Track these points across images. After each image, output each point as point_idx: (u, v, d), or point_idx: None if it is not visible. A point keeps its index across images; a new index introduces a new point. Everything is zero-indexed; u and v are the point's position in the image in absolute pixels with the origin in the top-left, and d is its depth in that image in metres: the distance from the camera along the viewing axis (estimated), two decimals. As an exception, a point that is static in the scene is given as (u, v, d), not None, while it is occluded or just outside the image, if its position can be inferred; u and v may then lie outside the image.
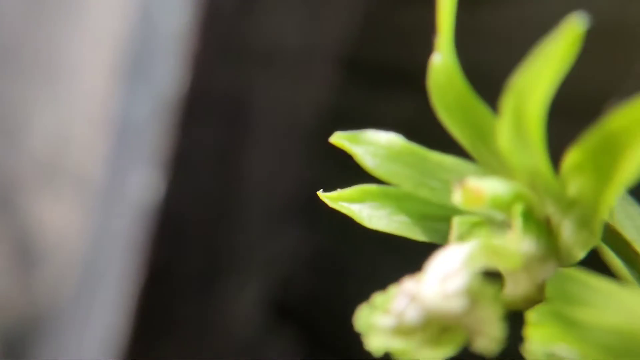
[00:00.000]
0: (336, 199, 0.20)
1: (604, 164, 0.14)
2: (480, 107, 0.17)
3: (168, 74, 0.68)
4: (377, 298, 0.17)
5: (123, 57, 0.73)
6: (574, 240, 0.16)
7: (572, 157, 0.15)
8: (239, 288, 0.73)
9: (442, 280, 0.15)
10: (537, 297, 0.16)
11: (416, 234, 0.19)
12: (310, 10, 0.69)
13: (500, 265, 0.15)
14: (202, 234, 0.72)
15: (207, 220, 0.72)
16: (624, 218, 0.17)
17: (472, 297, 0.15)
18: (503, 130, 0.16)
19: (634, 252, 0.16)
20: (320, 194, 0.21)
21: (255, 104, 0.71)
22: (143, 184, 0.69)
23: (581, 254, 0.16)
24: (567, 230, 0.16)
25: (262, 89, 0.71)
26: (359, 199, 0.20)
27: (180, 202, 0.71)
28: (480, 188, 0.17)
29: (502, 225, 0.18)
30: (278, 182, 0.72)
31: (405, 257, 0.66)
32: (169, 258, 0.71)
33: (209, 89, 0.70)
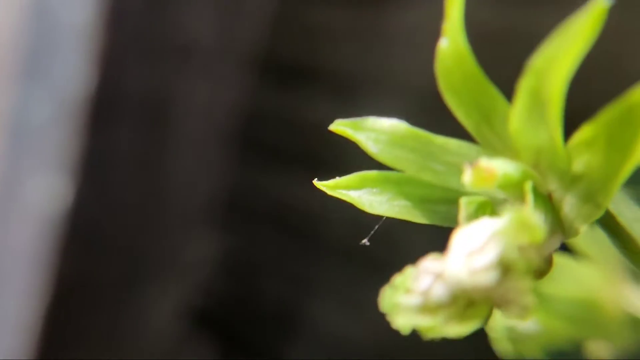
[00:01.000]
0: (334, 187, 0.21)
1: (619, 139, 0.16)
2: (490, 88, 0.18)
3: (71, 72, 0.66)
4: (397, 279, 0.18)
5: (17, 53, 0.69)
6: (576, 214, 0.18)
7: (583, 132, 0.16)
8: (157, 296, 0.71)
9: (470, 256, 0.17)
10: (545, 269, 0.18)
11: (416, 217, 0.21)
12: (223, 8, 0.69)
13: (526, 239, 0.16)
14: (116, 242, 0.70)
15: (122, 227, 0.70)
16: (619, 202, 0.20)
17: (504, 269, 0.16)
18: (518, 109, 0.17)
19: (627, 235, 0.19)
20: (317, 182, 0.21)
21: (170, 105, 0.70)
22: (46, 192, 0.66)
23: (583, 228, 0.18)
24: (569, 205, 0.18)
25: (177, 88, 0.70)
26: (358, 186, 0.21)
27: (91, 210, 0.68)
28: (492, 168, 0.18)
29: (505, 204, 0.20)
30: (196, 186, 0.72)
31: (324, 259, 0.67)
32: (80, 270, 0.68)
33: (120, 89, 0.68)
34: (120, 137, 0.68)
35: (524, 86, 0.17)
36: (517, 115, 0.17)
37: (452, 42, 0.18)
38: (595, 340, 0.24)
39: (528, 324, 0.25)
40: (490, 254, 0.16)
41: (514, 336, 0.24)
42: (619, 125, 0.16)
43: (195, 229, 0.71)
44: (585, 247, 0.24)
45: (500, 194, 0.20)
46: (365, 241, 0.22)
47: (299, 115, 0.67)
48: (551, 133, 0.17)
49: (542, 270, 0.18)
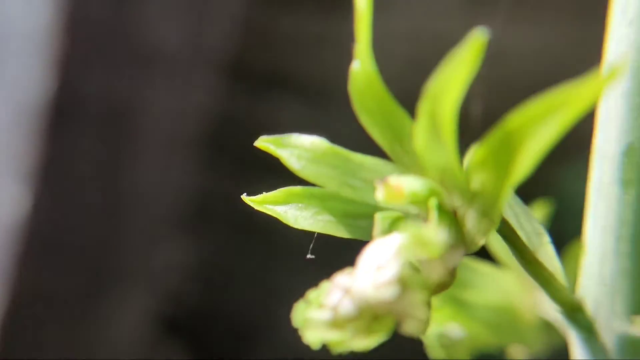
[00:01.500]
0: (261, 202, 0.22)
1: (503, 159, 0.17)
2: (398, 110, 0.20)
3: (29, 77, 0.66)
4: (311, 294, 0.19)
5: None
6: (477, 228, 0.19)
7: (476, 154, 0.18)
8: (122, 306, 0.71)
9: (375, 271, 0.18)
10: (449, 282, 0.19)
11: (341, 232, 0.22)
12: (191, 14, 0.70)
13: (424, 255, 0.18)
14: (78, 250, 0.70)
15: (84, 235, 0.70)
16: (511, 214, 0.21)
17: (403, 284, 0.17)
18: (419, 131, 0.19)
19: (524, 246, 0.20)
20: (245, 197, 0.23)
21: (135, 110, 0.70)
22: (3, 199, 0.66)
23: (482, 241, 0.19)
24: (470, 220, 0.19)
25: (142, 94, 0.70)
26: (284, 201, 0.22)
27: (51, 217, 0.68)
28: (400, 185, 0.19)
29: (417, 219, 0.21)
30: (163, 192, 0.72)
31: (292, 266, 0.68)
32: (40, 280, 0.68)
33: (81, 94, 0.68)
34: (81, 142, 0.68)
35: (423, 109, 0.18)
36: (419, 136, 0.19)
37: (362, 65, 0.20)
38: (515, 344, 0.26)
39: (456, 331, 0.26)
40: (391, 270, 0.18)
41: (445, 342, 0.26)
42: (501, 147, 0.17)
43: (162, 237, 0.71)
44: (504, 256, 0.26)
45: (414, 209, 0.21)
46: (310, 256, 0.24)
47: (269, 121, 0.67)
48: (448, 153, 0.18)
49: (445, 283, 0.19)
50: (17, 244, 0.66)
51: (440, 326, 0.26)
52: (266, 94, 0.70)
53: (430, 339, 0.26)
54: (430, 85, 0.17)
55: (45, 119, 0.67)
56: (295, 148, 0.21)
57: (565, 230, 0.27)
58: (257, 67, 0.71)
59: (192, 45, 0.70)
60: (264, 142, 0.22)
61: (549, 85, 0.17)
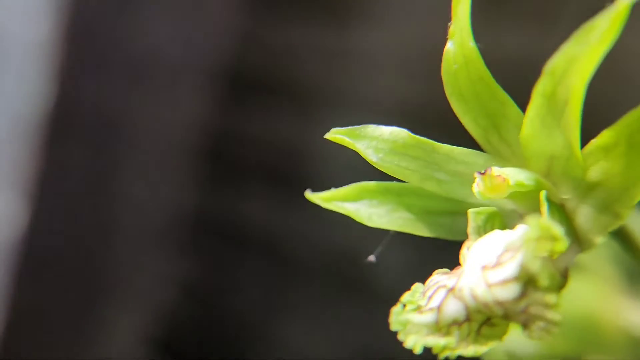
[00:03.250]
0: (330, 199, 0.20)
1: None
2: (499, 92, 0.18)
3: (27, 89, 0.64)
4: (408, 296, 0.17)
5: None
6: (592, 224, 0.17)
7: (603, 138, 0.16)
8: (115, 321, 0.68)
9: (488, 269, 0.16)
10: (563, 283, 0.17)
11: (420, 230, 0.20)
12: (187, 25, 0.68)
13: (548, 251, 0.16)
14: (72, 265, 0.67)
15: (78, 249, 0.67)
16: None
17: (527, 282, 0.15)
18: (532, 114, 0.17)
19: (631, 235, 0.18)
20: (309, 194, 0.20)
21: (130, 122, 0.68)
22: (1, 212, 0.63)
23: (599, 239, 0.17)
24: (583, 215, 0.17)
25: (137, 106, 0.68)
26: (356, 198, 0.20)
27: (45, 233, 0.65)
28: (504, 176, 0.17)
29: (514, 215, 0.19)
30: (157, 205, 0.70)
31: (290, 281, 0.66)
32: (34, 296, 0.65)
33: (78, 105, 0.66)
34: (77, 155, 0.66)
35: (539, 90, 0.16)
36: (530, 120, 0.17)
37: (459, 45, 0.18)
38: (593, 356, 0.24)
39: (527, 347, 0.24)
40: (510, 267, 0.15)
41: (514, 357, 0.24)
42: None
43: (156, 251, 0.69)
44: (585, 259, 0.24)
45: (509, 205, 0.19)
46: (372, 258, 0.21)
47: (264, 132, 0.65)
48: (568, 138, 0.16)
49: (559, 285, 0.17)
50: (14, 259, 0.62)
51: (509, 337, 0.24)
52: (262, 104, 0.68)
53: (493, 349, 0.24)
54: (554, 61, 0.15)
55: (43, 131, 0.64)
56: (373, 139, 0.19)
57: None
58: (253, 77, 0.69)
59: (189, 57, 0.68)
60: (336, 135, 0.19)
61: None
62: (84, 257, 0.67)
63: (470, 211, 0.18)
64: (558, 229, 0.15)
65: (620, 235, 0.18)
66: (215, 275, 0.70)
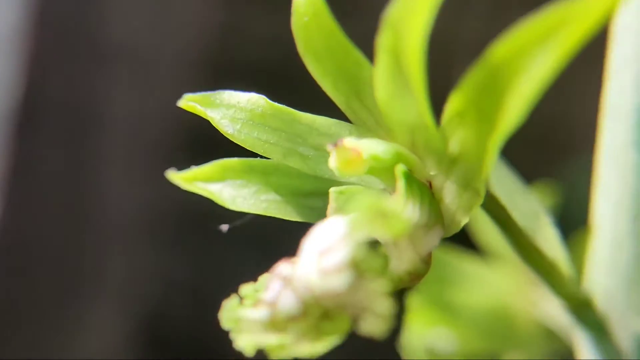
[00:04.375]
0: (191, 179, 0.18)
1: (487, 105, 0.13)
2: (353, 53, 0.16)
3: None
4: (246, 288, 0.15)
5: None
6: (457, 203, 0.15)
7: (452, 104, 0.14)
8: (96, 320, 0.67)
9: (321, 256, 0.14)
10: (423, 271, 0.15)
11: (289, 214, 0.18)
12: (162, 13, 0.67)
13: (385, 233, 0.13)
14: (48, 261, 0.66)
15: (55, 245, 0.66)
16: (497, 183, 0.17)
17: (356, 271, 0.13)
18: (380, 75, 0.14)
19: (509, 217, 0.16)
20: (172, 173, 0.18)
21: (106, 113, 0.67)
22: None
23: (465, 219, 0.15)
24: (449, 194, 0.15)
25: (113, 96, 0.67)
26: (219, 177, 0.18)
27: (19, 227, 0.64)
28: (357, 148, 0.15)
29: (382, 194, 0.17)
30: (137, 198, 0.68)
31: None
32: (7, 296, 0.65)
33: (50, 96, 0.64)
34: (50, 147, 0.65)
35: (382, 44, 0.14)
36: (380, 82, 0.15)
37: (306, -4, 0.15)
38: (511, 350, 0.22)
39: (444, 338, 0.22)
40: (340, 252, 0.13)
41: (431, 351, 0.22)
42: (485, 90, 0.13)
43: (137, 246, 0.67)
44: (496, 244, 0.22)
45: (379, 183, 0.17)
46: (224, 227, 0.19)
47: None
48: (418, 103, 0.14)
49: (418, 271, 0.15)
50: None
51: (424, 332, 0.22)
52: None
53: (413, 347, 0.22)
54: (391, 11, 0.13)
55: (12, 124, 0.63)
56: (230, 107, 0.17)
57: (571, 223, 0.22)
58: (233, 68, 0.67)
59: (166, 48, 0.67)
60: (188, 102, 0.17)
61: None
62: (60, 255, 0.67)
63: (332, 190, 0.16)
64: (394, 208, 0.13)
65: (492, 213, 0.16)
66: (201, 270, 0.68)
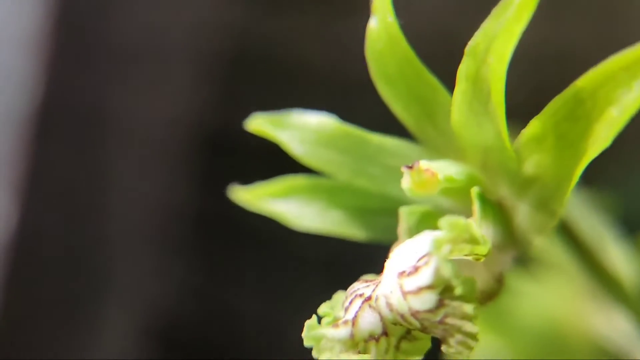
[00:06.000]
0: (255, 197, 0.19)
1: (571, 133, 0.13)
2: (427, 76, 0.16)
3: (14, 83, 0.63)
4: (324, 306, 0.15)
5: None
6: (530, 224, 0.15)
7: (531, 128, 0.14)
8: (114, 320, 0.68)
9: (405, 276, 0.14)
10: (496, 290, 0.16)
11: (355, 231, 0.18)
12: (181, 14, 0.67)
13: (468, 254, 0.14)
14: (65, 265, 0.67)
15: (70, 248, 0.67)
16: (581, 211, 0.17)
17: (443, 291, 0.14)
18: (458, 100, 0.15)
19: (582, 238, 0.16)
20: (236, 190, 0.19)
21: (123, 115, 0.68)
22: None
23: (538, 239, 0.15)
24: (521, 214, 0.15)
25: (130, 98, 0.67)
26: (283, 194, 0.18)
27: (37, 230, 0.65)
28: (432, 170, 0.16)
29: (451, 214, 0.17)
30: (151, 203, 0.69)
31: (292, 280, 0.65)
32: (25, 297, 0.65)
33: (68, 101, 0.65)
34: (69, 151, 0.65)
35: (463, 72, 0.15)
36: (457, 106, 0.15)
37: (381, 21, 0.16)
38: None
39: (498, 357, 0.23)
40: (425, 273, 0.14)
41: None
42: (567, 117, 0.13)
43: (152, 247, 0.68)
44: (552, 258, 0.22)
45: (447, 202, 0.17)
46: None
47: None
48: (495, 124, 0.15)
49: (492, 291, 0.15)
50: (1, 259, 0.62)
51: (477, 346, 0.22)
52: (258, 95, 0.67)
53: None
54: (475, 39, 0.14)
55: (32, 127, 0.63)
56: (298, 129, 0.17)
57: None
58: (249, 69, 0.68)
59: (182, 50, 0.67)
60: (259, 124, 0.18)
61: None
62: (74, 256, 0.67)
63: (402, 210, 0.17)
64: (477, 231, 0.14)
65: (564, 232, 0.16)
66: (214, 271, 0.69)
